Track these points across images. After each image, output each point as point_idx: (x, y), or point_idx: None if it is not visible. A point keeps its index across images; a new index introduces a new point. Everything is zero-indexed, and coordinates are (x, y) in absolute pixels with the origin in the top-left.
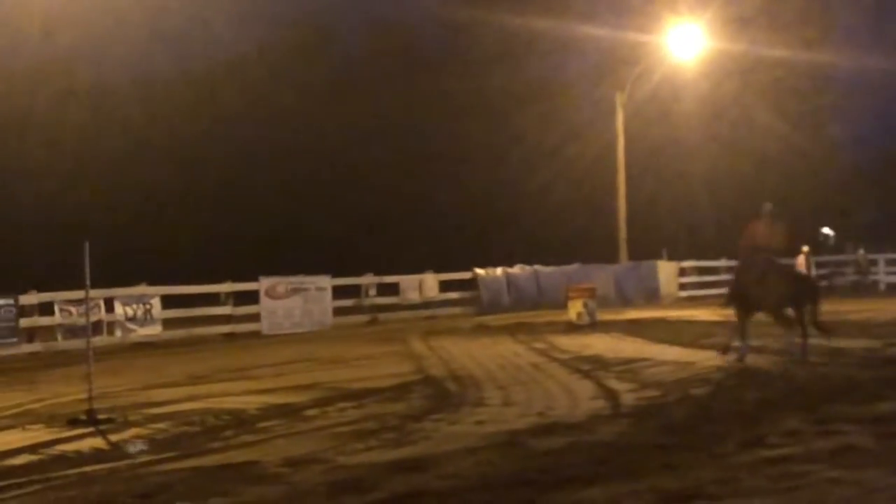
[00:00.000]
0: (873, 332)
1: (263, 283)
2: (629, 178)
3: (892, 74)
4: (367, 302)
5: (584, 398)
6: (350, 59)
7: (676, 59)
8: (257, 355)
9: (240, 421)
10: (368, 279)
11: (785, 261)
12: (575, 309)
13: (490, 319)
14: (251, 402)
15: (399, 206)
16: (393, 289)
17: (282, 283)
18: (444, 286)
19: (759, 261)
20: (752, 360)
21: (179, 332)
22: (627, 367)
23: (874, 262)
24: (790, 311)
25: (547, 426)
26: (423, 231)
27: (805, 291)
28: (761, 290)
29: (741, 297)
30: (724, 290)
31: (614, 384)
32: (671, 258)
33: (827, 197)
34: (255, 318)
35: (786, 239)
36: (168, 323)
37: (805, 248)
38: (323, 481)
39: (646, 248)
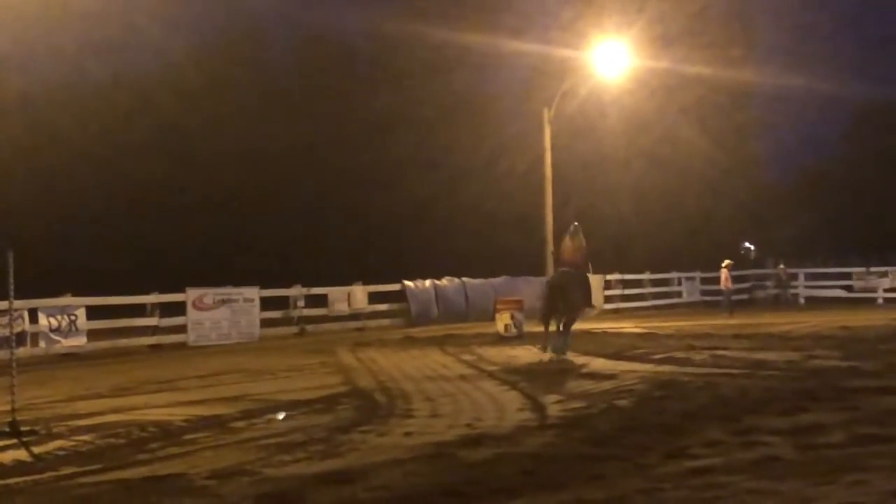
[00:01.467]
0: (793, 345)
1: (190, 294)
2: (558, 192)
3: (811, 92)
4: (295, 313)
5: (511, 410)
6: (283, 71)
7: (603, 75)
8: (184, 367)
9: (166, 433)
10: (297, 291)
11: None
12: (503, 321)
13: (419, 331)
14: (177, 414)
15: (329, 218)
16: (322, 300)
17: (209, 294)
18: (373, 298)
19: (560, 273)
20: (674, 371)
21: (104, 344)
22: (553, 379)
23: (794, 276)
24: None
25: (474, 438)
26: (353, 243)
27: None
28: (558, 297)
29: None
30: (648, 303)
31: (541, 396)
32: (597, 271)
33: (749, 212)
34: (181, 329)
35: (583, 255)
36: (93, 334)
37: (727, 262)
38: (250, 493)
39: None
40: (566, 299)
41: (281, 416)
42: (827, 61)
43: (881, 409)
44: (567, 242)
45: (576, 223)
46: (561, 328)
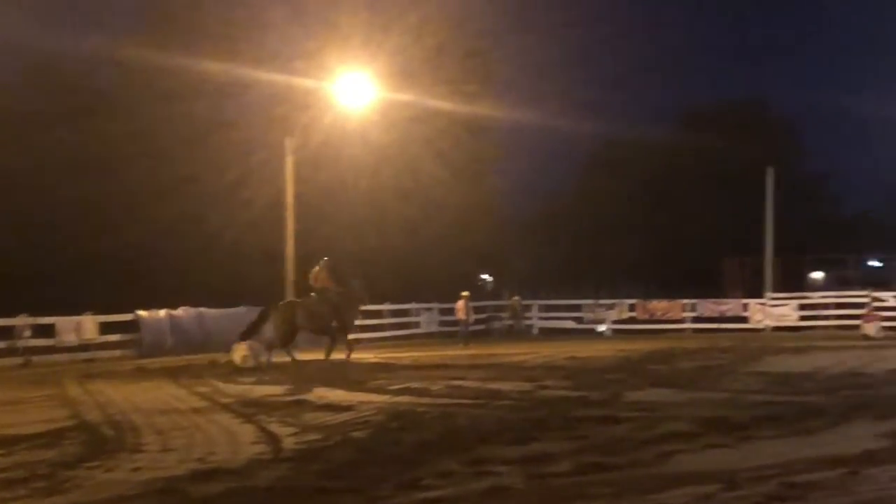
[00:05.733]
0: (526, 375)
1: None
2: (301, 222)
3: (546, 128)
4: (20, 344)
5: (245, 443)
6: (15, 97)
7: (346, 106)
8: None
9: None
10: (22, 320)
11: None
12: (240, 352)
13: (152, 362)
14: None
15: (58, 246)
16: (49, 330)
17: None
18: (105, 328)
19: (278, 305)
20: (410, 401)
21: None
22: (290, 411)
23: (528, 308)
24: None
25: (206, 472)
26: (84, 271)
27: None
28: (302, 316)
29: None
30: (387, 333)
31: (276, 428)
32: None
33: (487, 244)
34: None
35: (332, 282)
36: None
37: (464, 294)
38: None
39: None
40: (314, 320)
41: None
42: (560, 98)
43: (607, 437)
44: (317, 273)
45: (325, 257)
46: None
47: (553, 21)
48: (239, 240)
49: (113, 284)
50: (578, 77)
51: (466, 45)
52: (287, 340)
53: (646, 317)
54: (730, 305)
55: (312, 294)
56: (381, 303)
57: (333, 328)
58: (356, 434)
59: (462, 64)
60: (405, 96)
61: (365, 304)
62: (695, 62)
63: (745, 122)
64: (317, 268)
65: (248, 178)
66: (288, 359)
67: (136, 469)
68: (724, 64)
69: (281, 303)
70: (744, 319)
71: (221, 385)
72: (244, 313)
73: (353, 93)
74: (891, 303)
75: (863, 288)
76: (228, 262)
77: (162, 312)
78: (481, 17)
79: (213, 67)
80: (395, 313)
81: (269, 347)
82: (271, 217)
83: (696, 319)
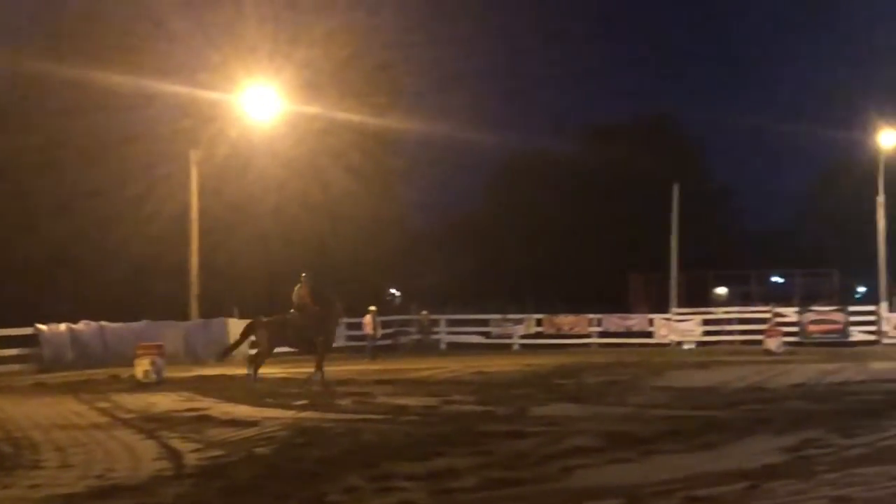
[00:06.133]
0: (432, 390)
1: None
2: (208, 236)
3: (455, 141)
4: None
5: (146, 459)
6: None
7: (253, 119)
8: None
9: None
10: None
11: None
12: (142, 367)
13: (52, 377)
14: None
15: None
16: None
17: None
18: (3, 342)
19: (262, 321)
20: (316, 417)
21: None
22: (193, 427)
23: (436, 323)
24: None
25: (106, 489)
26: None
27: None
28: (290, 332)
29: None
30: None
31: (178, 444)
32: (244, 316)
33: (395, 258)
34: None
35: (313, 299)
36: None
37: (372, 308)
38: None
39: (222, 307)
40: (301, 336)
41: None
42: (469, 111)
43: (512, 452)
44: (299, 290)
45: (304, 273)
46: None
47: (462, 34)
48: (142, 253)
49: (12, 298)
50: (487, 90)
51: (375, 58)
52: (268, 356)
53: (553, 331)
54: (635, 320)
55: (292, 311)
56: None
57: (321, 343)
58: (260, 450)
59: (371, 76)
60: (313, 109)
61: (342, 320)
62: (603, 77)
63: (652, 137)
64: (298, 285)
65: (153, 192)
66: (192, 374)
67: (34, 486)
68: (633, 79)
69: (266, 318)
70: (649, 334)
71: (123, 400)
72: (145, 327)
73: (260, 105)
74: (792, 318)
75: (765, 303)
76: (131, 276)
77: (62, 326)
78: (390, 29)
79: (116, 80)
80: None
81: (255, 362)
82: (176, 230)
83: (603, 334)
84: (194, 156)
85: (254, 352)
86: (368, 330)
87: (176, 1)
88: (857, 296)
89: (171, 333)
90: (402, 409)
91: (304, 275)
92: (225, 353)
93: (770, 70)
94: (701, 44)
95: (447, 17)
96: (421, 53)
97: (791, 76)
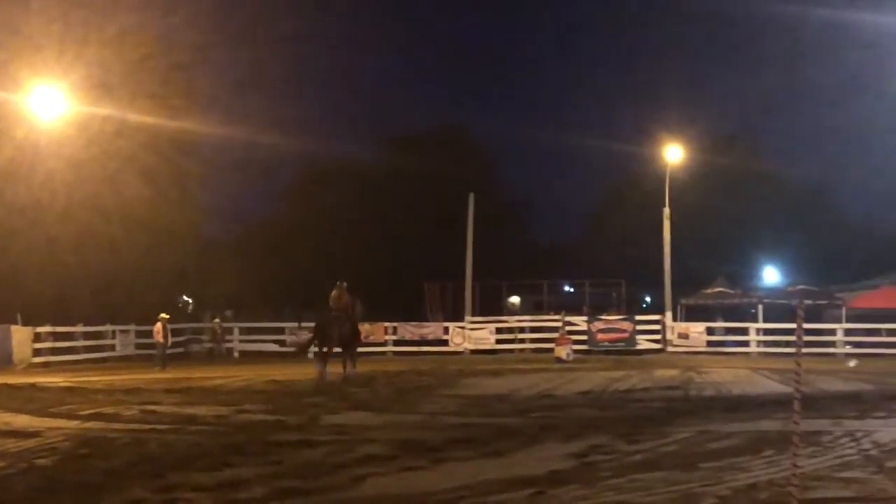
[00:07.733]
0: (223, 399)
1: None
2: None
3: (254, 146)
4: None
5: None
6: None
7: (39, 119)
8: None
9: None
10: None
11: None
12: None
13: None
14: None
15: None
16: None
17: None
18: None
19: (332, 317)
20: (101, 427)
21: None
22: None
23: (229, 330)
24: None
25: None
26: None
27: (349, 341)
28: (330, 334)
29: (324, 338)
30: (81, 356)
31: None
32: (28, 323)
33: (189, 264)
34: None
35: (348, 304)
36: None
37: (163, 315)
38: None
39: (5, 314)
40: (333, 336)
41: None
42: (266, 115)
43: (302, 461)
44: (336, 294)
45: (341, 281)
46: (348, 358)
47: (259, 37)
48: None
49: None
50: (284, 94)
51: (170, 59)
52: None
53: None
54: (430, 329)
55: (334, 313)
56: (74, 324)
57: (356, 344)
58: (41, 461)
59: (166, 77)
60: (104, 110)
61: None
62: (402, 87)
63: (449, 148)
64: (335, 291)
65: None
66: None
67: None
68: (431, 90)
69: (333, 314)
70: (444, 342)
71: None
72: None
73: (47, 106)
74: (582, 327)
75: (556, 312)
76: None
77: None
78: (185, 30)
79: None
80: (88, 335)
81: (324, 359)
82: None
83: (398, 342)
84: None
85: (316, 350)
86: (159, 338)
87: None
88: (644, 305)
89: None
90: (191, 419)
91: (343, 283)
92: (302, 351)
93: (564, 87)
94: (499, 61)
95: (244, 20)
96: (217, 55)
97: (583, 93)
